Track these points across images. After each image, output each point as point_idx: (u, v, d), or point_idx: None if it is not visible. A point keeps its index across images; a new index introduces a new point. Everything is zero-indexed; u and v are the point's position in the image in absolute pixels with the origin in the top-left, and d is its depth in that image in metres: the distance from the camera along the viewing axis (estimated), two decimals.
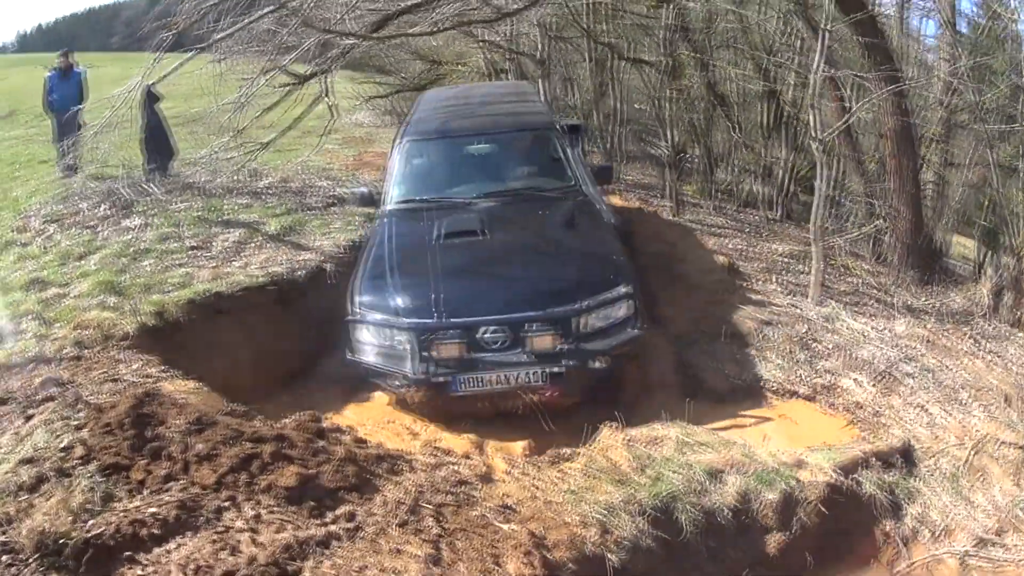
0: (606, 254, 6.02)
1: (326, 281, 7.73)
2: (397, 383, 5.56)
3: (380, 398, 6.13)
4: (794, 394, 6.55)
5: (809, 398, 6.49)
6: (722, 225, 10.58)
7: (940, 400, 6.08)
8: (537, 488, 4.58)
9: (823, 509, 4.68)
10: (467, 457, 4.99)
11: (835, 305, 7.46)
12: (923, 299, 8.14)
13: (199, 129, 10.66)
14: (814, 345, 7.07)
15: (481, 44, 13.12)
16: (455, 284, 5.60)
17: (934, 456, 5.14)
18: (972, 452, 5.11)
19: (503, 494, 4.51)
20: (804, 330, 7.25)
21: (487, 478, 4.70)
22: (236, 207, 9.47)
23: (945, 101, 9.06)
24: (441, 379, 5.32)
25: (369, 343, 5.65)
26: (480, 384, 5.34)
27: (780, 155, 11.33)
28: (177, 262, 7.86)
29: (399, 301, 5.60)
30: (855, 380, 6.55)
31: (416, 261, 5.92)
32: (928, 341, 7.04)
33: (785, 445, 5.52)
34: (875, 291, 8.38)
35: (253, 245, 8.24)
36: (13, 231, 8.55)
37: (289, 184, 10.85)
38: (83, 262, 7.64)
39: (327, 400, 6.17)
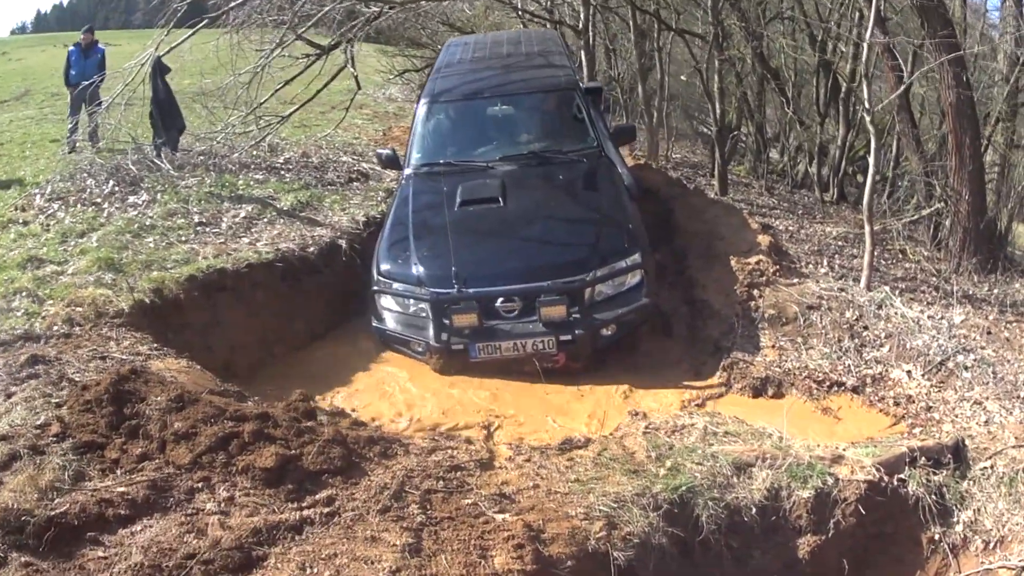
0: (621, 221, 6.27)
1: (340, 258, 7.68)
2: (419, 350, 5.95)
3: (391, 374, 6.17)
4: (839, 385, 6.23)
5: (855, 390, 6.17)
6: (771, 206, 10.26)
7: (999, 396, 5.72)
8: (540, 476, 4.33)
9: (862, 510, 4.35)
10: (468, 442, 4.76)
11: (887, 291, 7.07)
12: (984, 288, 7.75)
13: (214, 103, 10.50)
14: (863, 333, 6.73)
15: (518, 14, 12.81)
16: (473, 254, 5.95)
17: (990, 457, 4.78)
18: None
19: (502, 482, 4.27)
20: (853, 316, 6.89)
21: (487, 464, 4.47)
22: (250, 183, 9.34)
23: (1011, 77, 8.59)
24: (459, 346, 5.74)
25: (391, 311, 6.07)
26: (496, 351, 5.74)
27: (835, 133, 10.93)
28: (182, 239, 7.71)
29: (419, 270, 5.95)
30: (907, 372, 6.22)
31: (435, 229, 6.25)
32: (988, 332, 6.65)
33: (825, 439, 5.21)
34: (932, 278, 8.01)
35: (264, 221, 8.17)
36: (15, 209, 8.48)
37: (310, 159, 10.75)
38: (84, 240, 7.54)
39: (335, 378, 6.20)
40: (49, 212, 8.25)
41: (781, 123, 11.95)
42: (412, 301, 6.01)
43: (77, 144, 11.02)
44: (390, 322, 6.10)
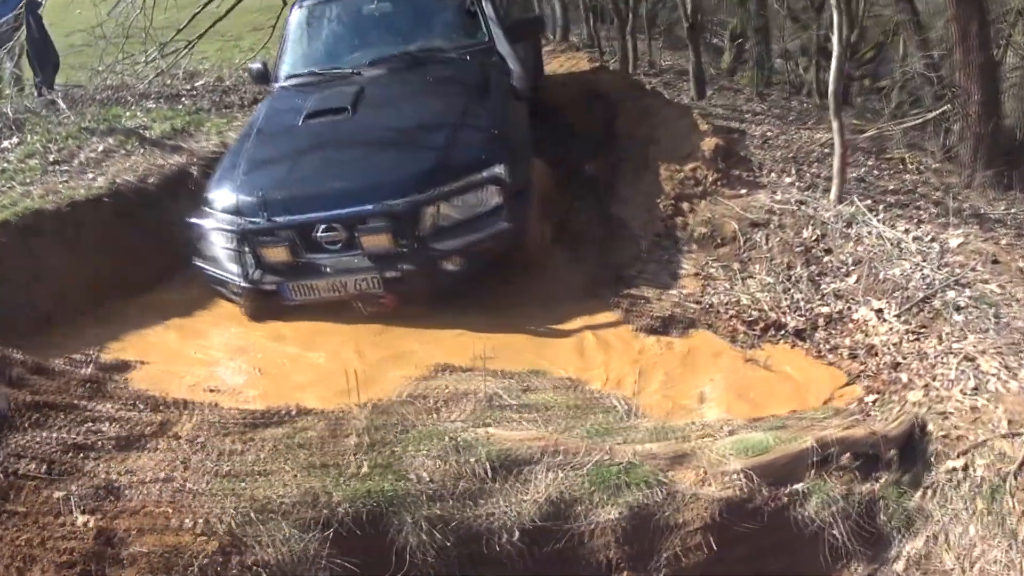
0: (486, 128, 4.94)
1: (188, 187, 6.28)
2: (235, 292, 4.88)
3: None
4: (778, 327, 4.39)
5: (800, 334, 4.33)
6: (757, 112, 8.30)
7: (1000, 350, 3.85)
8: (186, 464, 2.59)
9: (713, 544, 2.51)
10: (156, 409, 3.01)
11: (860, 205, 5.13)
12: (1000, 207, 5.79)
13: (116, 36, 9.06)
14: (824, 258, 4.87)
15: None
16: (294, 175, 4.84)
17: (965, 452, 2.91)
18: None
19: (126, 469, 2.54)
20: (811, 236, 5.00)
21: (131, 444, 2.72)
22: (136, 113, 8.09)
23: None
24: (271, 287, 4.66)
25: (210, 246, 4.97)
26: (313, 292, 4.62)
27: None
28: (27, 180, 6.37)
29: (239, 198, 4.82)
30: (876, 311, 4.37)
31: (271, 149, 5.20)
32: (994, 261, 4.71)
33: (721, 411, 3.40)
34: (936, 192, 6.00)
35: (123, 153, 6.91)
36: None
37: (223, 83, 9.56)
38: None
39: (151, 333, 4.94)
40: None
41: (779, 22, 9.78)
42: (231, 234, 4.78)
43: None
44: (210, 259, 4.96)
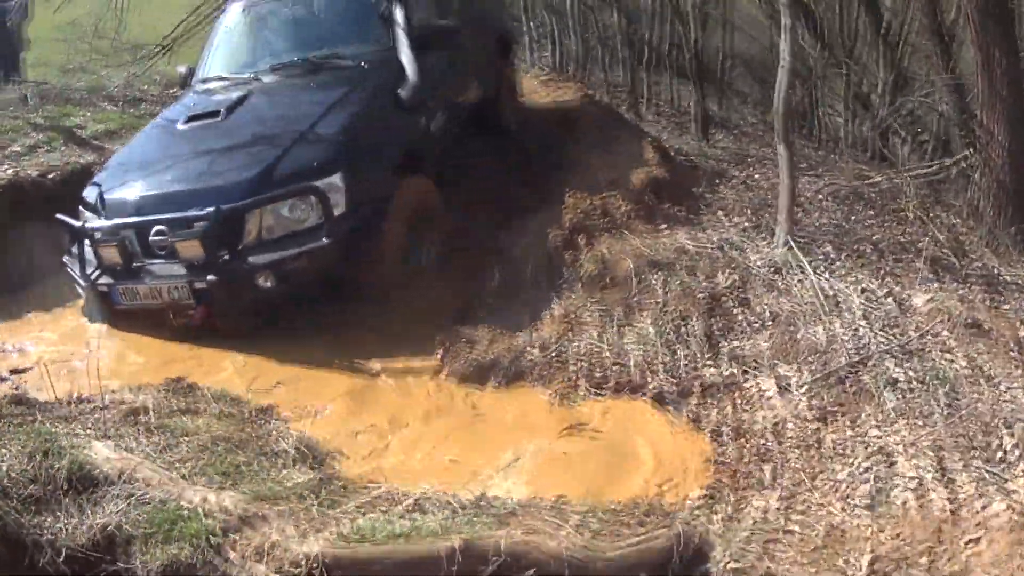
0: (333, 136, 4.47)
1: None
2: (80, 289, 4.71)
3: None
4: (635, 389, 3.29)
5: (660, 397, 3.23)
6: (763, 157, 7.12)
7: (939, 444, 2.61)
8: None
9: None
10: None
11: (796, 250, 3.87)
12: (1019, 268, 4.45)
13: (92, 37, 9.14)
14: (736, 311, 3.65)
15: None
16: (144, 177, 4.61)
17: None
18: None
19: None
20: (728, 283, 3.80)
21: None
22: (85, 113, 7.75)
23: None
24: (104, 288, 4.41)
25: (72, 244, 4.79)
26: (136, 298, 4.33)
27: (876, 76, 7.67)
28: None
29: (98, 196, 4.67)
30: (779, 380, 3.08)
31: (143, 151, 5.06)
32: (973, 326, 3.40)
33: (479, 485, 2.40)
34: (942, 250, 4.67)
35: (46, 149, 6.70)
36: None
37: None
38: None
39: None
40: None
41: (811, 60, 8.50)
42: (73, 232, 4.60)
43: None
44: (71, 256, 4.71)
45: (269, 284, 4.05)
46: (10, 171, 6.09)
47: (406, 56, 4.96)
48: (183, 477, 2.47)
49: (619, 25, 8.60)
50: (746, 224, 4.62)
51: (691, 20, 7.64)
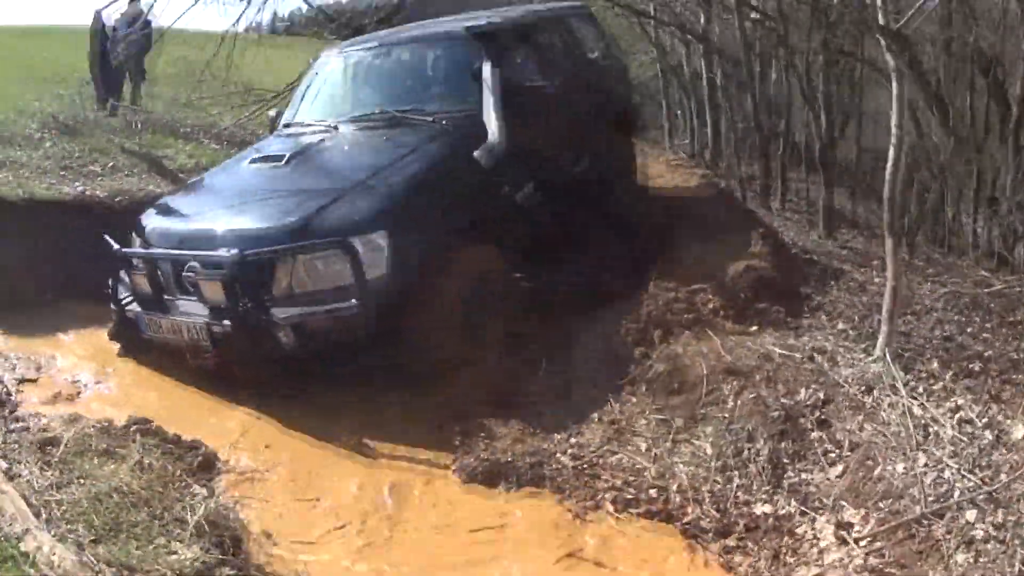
0: (383, 191, 4.16)
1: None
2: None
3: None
4: (669, 517, 2.91)
5: (690, 531, 2.84)
6: (880, 257, 6.47)
7: None
8: None
9: None
10: None
11: (892, 364, 3.39)
12: None
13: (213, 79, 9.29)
14: (812, 434, 3.19)
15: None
16: (191, 211, 4.61)
17: None
18: None
19: None
20: (810, 400, 3.35)
21: None
22: (179, 145, 8.01)
23: None
24: (131, 315, 4.38)
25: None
26: (159, 330, 4.21)
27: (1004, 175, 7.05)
28: (26, 175, 6.44)
29: (144, 223, 4.65)
30: (840, 525, 2.69)
31: (205, 186, 5.06)
32: None
33: None
34: None
35: (125, 174, 6.82)
36: None
37: None
38: None
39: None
40: None
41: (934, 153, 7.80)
42: (112, 255, 4.49)
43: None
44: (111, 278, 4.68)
45: (290, 341, 3.79)
46: (81, 188, 6.29)
47: (491, 117, 4.68)
48: (47, 521, 2.26)
49: (753, 113, 8.15)
50: (849, 330, 4.13)
51: (819, 109, 7.08)
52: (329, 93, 5.65)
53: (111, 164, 6.94)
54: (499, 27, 5.22)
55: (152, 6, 9.86)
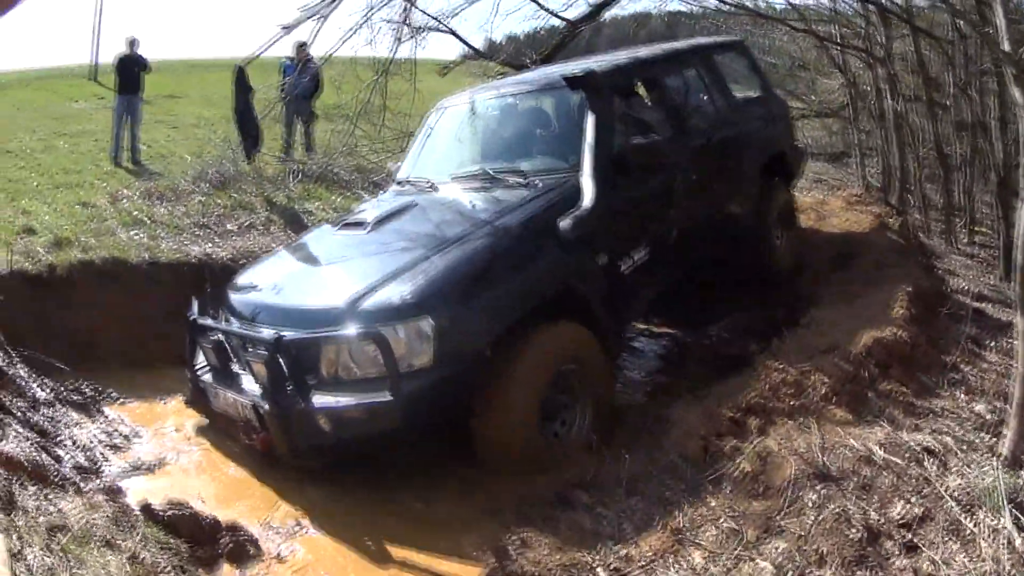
0: (437, 269, 3.79)
1: None
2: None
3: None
4: None
5: None
6: None
7: None
8: None
9: None
10: None
11: (1003, 480, 2.88)
12: None
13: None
14: (891, 562, 2.84)
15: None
16: (263, 282, 4.40)
17: None
18: None
19: None
20: (902, 517, 2.94)
21: None
22: (339, 199, 8.11)
23: None
24: (202, 384, 4.24)
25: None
26: (219, 402, 4.09)
27: None
28: (157, 232, 6.69)
29: (225, 291, 4.61)
30: None
31: (293, 252, 4.89)
32: None
33: None
34: None
35: (259, 231, 6.98)
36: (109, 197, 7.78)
37: None
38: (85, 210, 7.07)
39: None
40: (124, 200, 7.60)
41: None
42: (190, 323, 4.46)
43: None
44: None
45: (328, 430, 3.58)
46: (208, 249, 6.34)
47: (587, 178, 4.32)
48: None
49: (936, 140, 7.30)
50: (987, 414, 3.58)
51: (993, 132, 6.35)
52: (434, 149, 5.46)
53: (248, 222, 6.99)
54: (606, 72, 4.84)
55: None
